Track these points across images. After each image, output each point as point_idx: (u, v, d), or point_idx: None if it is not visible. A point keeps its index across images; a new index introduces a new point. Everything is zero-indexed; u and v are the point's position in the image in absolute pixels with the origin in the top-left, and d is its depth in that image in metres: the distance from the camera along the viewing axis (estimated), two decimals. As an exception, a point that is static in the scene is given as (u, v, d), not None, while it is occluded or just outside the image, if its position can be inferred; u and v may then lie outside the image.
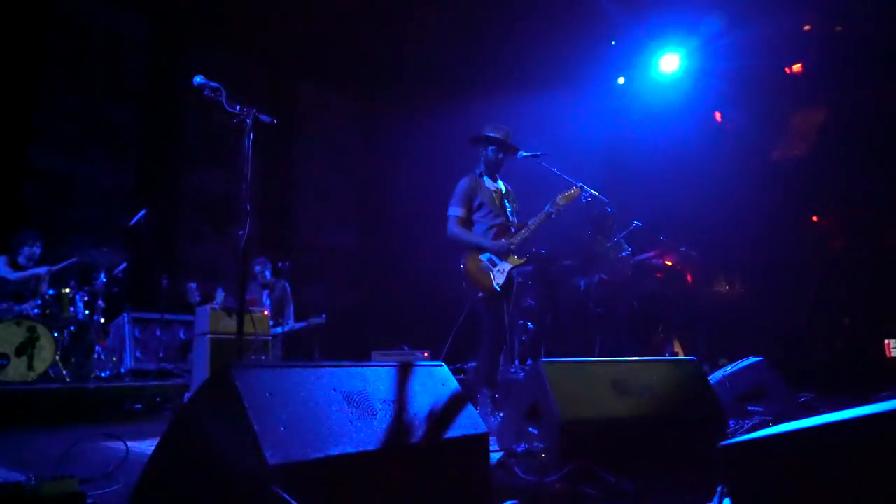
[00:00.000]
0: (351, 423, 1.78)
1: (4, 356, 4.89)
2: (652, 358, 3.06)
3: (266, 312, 5.32)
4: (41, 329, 5.12)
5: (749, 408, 3.87)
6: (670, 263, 6.59)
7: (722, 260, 7.52)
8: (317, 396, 1.78)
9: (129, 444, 2.91)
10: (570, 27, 8.04)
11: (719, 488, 1.83)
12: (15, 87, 6.84)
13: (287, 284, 6.71)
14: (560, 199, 3.99)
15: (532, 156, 4.16)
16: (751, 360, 4.20)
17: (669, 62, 8.27)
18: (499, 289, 3.88)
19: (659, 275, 6.59)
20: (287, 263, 6.75)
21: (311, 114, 10.07)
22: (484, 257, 3.94)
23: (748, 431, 2.87)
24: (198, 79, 3.04)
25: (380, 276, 9.77)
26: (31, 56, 7.02)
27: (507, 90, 7.85)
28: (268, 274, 6.70)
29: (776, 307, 7.06)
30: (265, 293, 6.64)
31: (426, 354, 5.82)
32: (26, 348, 5.01)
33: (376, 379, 2.01)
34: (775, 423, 3.28)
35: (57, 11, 7.31)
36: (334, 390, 1.84)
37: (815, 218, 7.88)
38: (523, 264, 4.05)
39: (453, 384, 2.27)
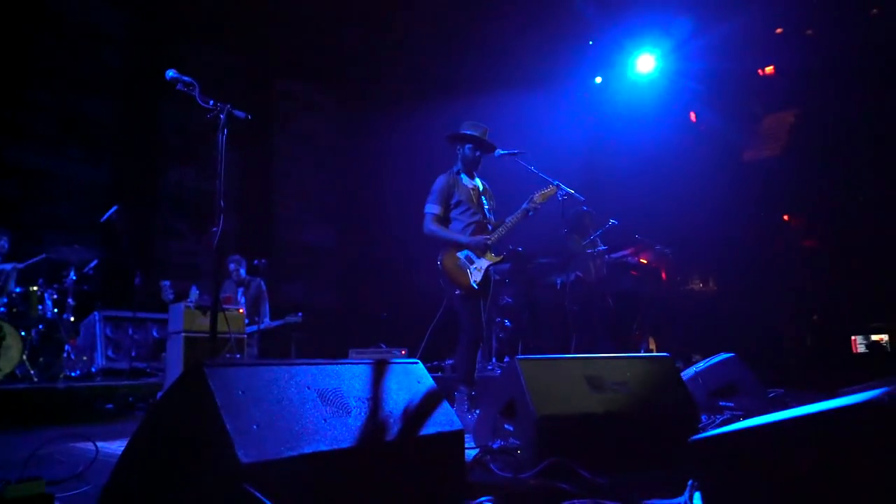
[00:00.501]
0: (325, 420, 1.77)
1: (-31, 356, 4.77)
2: (626, 354, 3.09)
3: (241, 310, 5.26)
4: (7, 328, 5.00)
5: (721, 403, 3.94)
6: (645, 261, 6.68)
7: (696, 258, 7.64)
8: (291, 394, 1.77)
9: (100, 444, 2.86)
10: (548, 27, 8.09)
11: (690, 482, 1.86)
12: None
13: (262, 282, 6.62)
14: (537, 197, 4.01)
15: (509, 154, 4.17)
16: (723, 356, 4.27)
17: (645, 62, 8.37)
18: (476, 286, 3.89)
19: (634, 272, 6.67)
20: (264, 261, 6.67)
21: (292, 111, 9.98)
22: (461, 255, 3.95)
23: (719, 426, 2.92)
24: (170, 73, 2.99)
25: (358, 275, 9.74)
26: (4, 50, 6.84)
27: (486, 89, 7.87)
28: (242, 272, 6.60)
29: (748, 304, 7.19)
30: (240, 291, 6.54)
31: (403, 352, 5.81)
32: (-8, 348, 4.88)
33: (351, 377, 2.00)
34: (746, 417, 3.35)
35: (32, 4, 7.13)
36: (308, 388, 1.83)
37: (786, 217, 8.04)
38: (500, 262, 4.06)
39: (429, 381, 2.27)
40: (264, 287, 6.60)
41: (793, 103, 7.96)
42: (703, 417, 3.45)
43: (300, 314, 6.38)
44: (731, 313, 7.14)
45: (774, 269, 7.43)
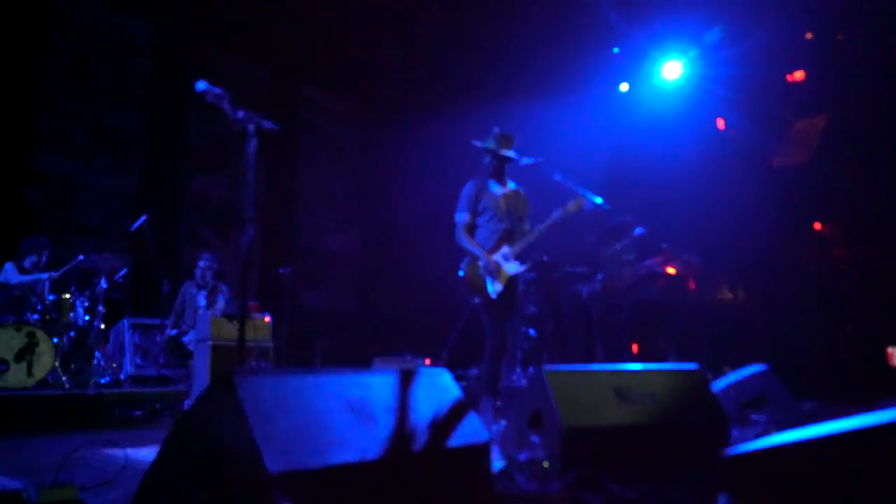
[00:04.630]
0: (352, 430, 1.77)
1: (4, 362, 4.87)
2: (655, 365, 3.04)
3: (267, 319, 5.29)
4: (41, 335, 5.10)
5: (752, 416, 3.85)
6: (673, 271, 6.58)
7: (725, 267, 7.51)
8: (318, 404, 1.77)
9: (129, 451, 2.90)
10: (573, 34, 8.06)
11: (720, 498, 1.81)
12: (19, 90, 6.87)
13: (225, 288, 6.18)
14: (570, 207, 3.96)
15: (535, 163, 4.15)
16: (755, 367, 4.18)
17: (672, 69, 8.28)
18: (494, 296, 3.86)
19: (661, 282, 6.57)
20: (289, 268, 6.71)
21: (315, 119, 10.10)
22: (482, 263, 3.93)
23: (752, 440, 2.85)
24: (201, 84, 3.03)
25: (382, 283, 9.77)
26: (35, 59, 7.05)
27: (511, 96, 7.86)
28: (209, 274, 6.15)
29: (779, 314, 7.04)
30: (201, 294, 6.05)
31: (427, 361, 5.80)
32: (25, 354, 4.99)
33: (378, 386, 1.99)
34: (779, 431, 3.26)
35: (62, 15, 7.35)
36: (336, 398, 1.83)
37: (817, 225, 7.87)
38: (527, 271, 4.02)
39: (455, 391, 2.25)
40: (227, 295, 6.10)
41: (823, 109, 7.80)
42: (735, 430, 3.37)
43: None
44: (761, 324, 7.00)
45: (806, 279, 7.27)
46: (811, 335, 7.14)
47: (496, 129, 4.15)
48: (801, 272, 7.33)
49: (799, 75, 7.81)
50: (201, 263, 6.20)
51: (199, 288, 6.14)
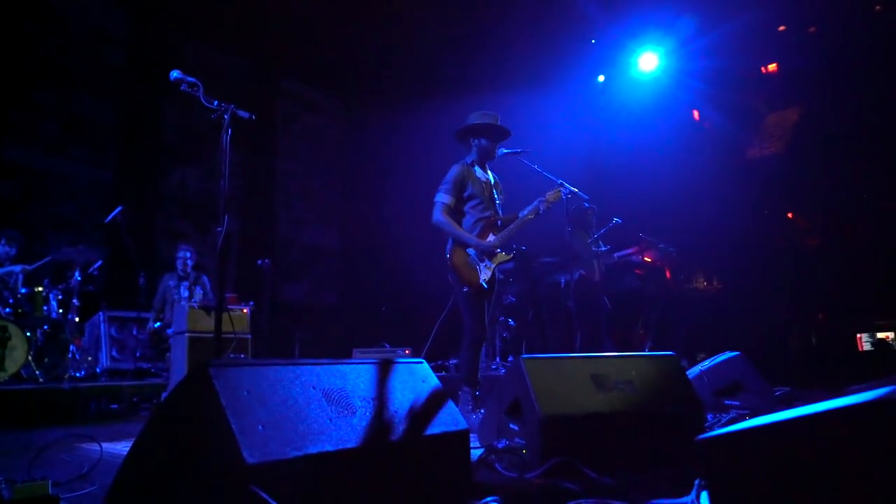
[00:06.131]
0: (330, 420, 1.77)
1: (-25, 357, 4.78)
2: (631, 353, 3.09)
3: (245, 310, 5.25)
4: (13, 328, 5.01)
5: (726, 402, 3.93)
6: (650, 260, 6.67)
7: (700, 257, 7.62)
8: (296, 394, 1.77)
9: (105, 445, 2.87)
10: (550, 26, 8.07)
11: (697, 481, 1.85)
12: None
13: (206, 279, 6.14)
14: (550, 196, 3.98)
15: (513, 153, 4.16)
16: (728, 354, 4.26)
17: (648, 61, 8.35)
18: (486, 285, 3.86)
19: (638, 271, 6.66)
20: (268, 261, 6.66)
21: (295, 111, 10.00)
22: (472, 251, 3.90)
23: (725, 425, 2.92)
24: (175, 73, 2.98)
25: (361, 274, 9.75)
26: (8, 50, 6.86)
27: (489, 88, 7.87)
28: (190, 265, 6.08)
29: (753, 303, 7.18)
30: (183, 286, 5.95)
31: (407, 352, 5.81)
32: (-3, 348, 4.90)
33: (356, 376, 1.99)
34: (752, 416, 3.34)
35: (35, 5, 7.15)
36: (313, 388, 1.83)
37: (790, 215, 8.02)
38: (508, 261, 4.02)
39: (434, 381, 2.27)
40: (209, 286, 6.08)
41: (796, 100, 7.94)
42: (709, 416, 3.44)
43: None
44: (735, 312, 7.13)
45: (779, 267, 7.41)
46: (785, 322, 7.29)
47: (475, 113, 4.13)
48: (774, 261, 7.47)
49: (772, 67, 7.93)
50: (180, 255, 6.12)
51: (180, 280, 6.06)
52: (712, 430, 2.09)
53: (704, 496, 1.72)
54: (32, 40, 7.10)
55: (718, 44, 7.58)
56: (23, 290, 5.51)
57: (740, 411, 3.68)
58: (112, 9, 7.82)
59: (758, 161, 8.15)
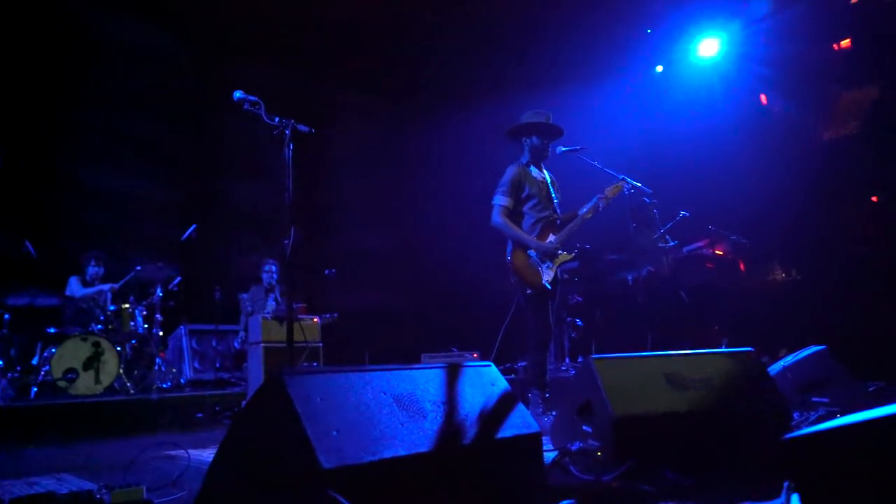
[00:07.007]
0: (402, 425, 1.79)
1: (73, 370, 5.13)
2: (707, 350, 2.97)
3: (315, 320, 5.39)
4: (105, 343, 5.35)
5: (813, 399, 3.72)
6: (721, 253, 6.40)
7: (776, 247, 7.25)
8: (367, 400, 1.80)
9: (191, 452, 3.01)
10: (604, 19, 7.91)
11: (786, 483, 1.76)
12: (49, 113, 7.10)
13: (278, 291, 6.44)
14: (608, 192, 3.91)
15: (572, 150, 4.10)
16: (813, 348, 4.04)
17: (708, 47, 8.05)
18: (549, 286, 3.82)
19: (709, 265, 6.40)
20: (334, 270, 6.81)
21: (348, 120, 10.20)
22: (532, 253, 3.87)
23: (814, 423, 2.76)
24: (237, 94, 3.11)
25: (426, 279, 9.81)
26: (81, 82, 7.34)
27: (544, 85, 7.78)
28: (275, 277, 6.42)
29: (837, 293, 6.75)
30: (271, 297, 6.35)
31: (475, 355, 5.81)
32: (92, 362, 5.24)
33: (425, 381, 2.01)
34: (843, 414, 3.14)
35: (102, 36, 7.61)
36: (384, 393, 1.86)
37: (874, 198, 7.51)
38: (571, 260, 3.96)
39: (503, 384, 2.26)
40: (273, 300, 6.38)
41: (874, 76, 7.43)
42: (795, 414, 3.26)
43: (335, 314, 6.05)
44: (818, 303, 6.73)
45: (864, 254, 6.95)
46: (874, 313, 6.82)
47: (528, 112, 4.10)
48: (858, 247, 7.01)
49: (845, 43, 7.46)
50: (266, 268, 6.47)
51: (267, 292, 6.42)
52: (800, 428, 1.98)
53: (795, 499, 1.63)
54: (98, 69, 7.53)
55: (786, 22, 7.21)
56: (111, 308, 5.88)
57: (830, 409, 3.47)
58: (165, 31, 8.20)
59: (834, 143, 7.68)
